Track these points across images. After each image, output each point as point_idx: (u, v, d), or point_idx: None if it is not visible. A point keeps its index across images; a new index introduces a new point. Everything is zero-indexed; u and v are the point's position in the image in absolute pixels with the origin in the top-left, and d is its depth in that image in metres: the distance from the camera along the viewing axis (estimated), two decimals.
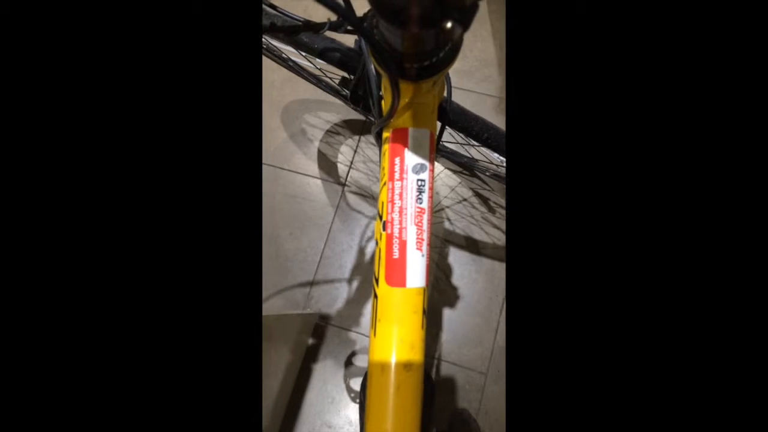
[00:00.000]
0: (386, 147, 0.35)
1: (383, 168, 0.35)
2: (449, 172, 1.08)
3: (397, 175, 0.34)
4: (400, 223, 0.33)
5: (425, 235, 0.34)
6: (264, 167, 1.13)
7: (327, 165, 1.12)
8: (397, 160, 0.34)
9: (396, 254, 0.33)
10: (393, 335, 0.32)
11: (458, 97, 1.11)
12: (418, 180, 0.34)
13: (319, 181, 1.12)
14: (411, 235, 0.33)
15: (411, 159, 0.34)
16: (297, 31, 0.39)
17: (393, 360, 0.32)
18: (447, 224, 1.05)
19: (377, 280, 0.34)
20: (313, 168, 1.13)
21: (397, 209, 0.33)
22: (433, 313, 1.00)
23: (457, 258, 1.03)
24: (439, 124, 0.47)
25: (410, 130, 0.34)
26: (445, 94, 0.47)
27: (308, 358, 1.01)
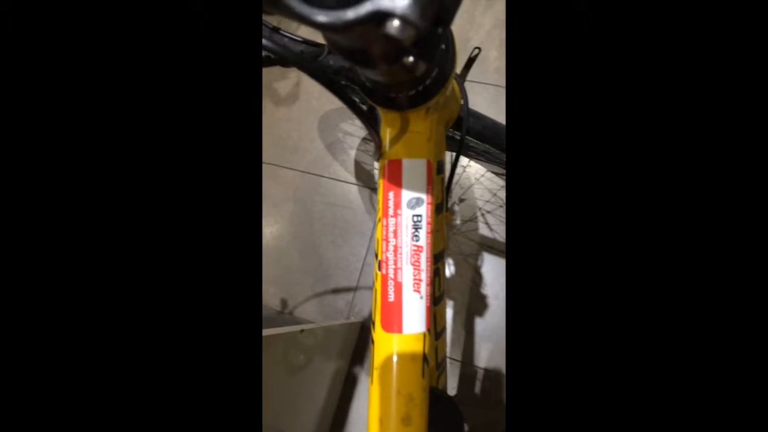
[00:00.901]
0: (381, 180, 0.32)
1: (378, 203, 0.33)
2: (491, 175, 1.03)
3: (390, 211, 0.31)
4: (395, 263, 0.31)
5: (423, 275, 0.31)
6: (304, 175, 1.14)
7: (365, 172, 1.11)
8: (391, 195, 0.31)
9: (391, 297, 0.31)
10: (391, 386, 0.30)
11: (494, 94, 1.05)
12: (413, 215, 0.31)
13: (358, 189, 1.11)
14: (407, 276, 0.31)
15: (405, 193, 0.31)
16: (287, 63, 0.37)
17: (392, 413, 0.29)
18: (487, 231, 1.00)
19: (374, 324, 0.32)
20: (353, 175, 1.12)
21: (391, 248, 0.31)
22: (479, 322, 0.96)
23: (503, 265, 0.98)
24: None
25: (404, 161, 0.31)
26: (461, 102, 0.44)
27: (353, 367, 1.01)
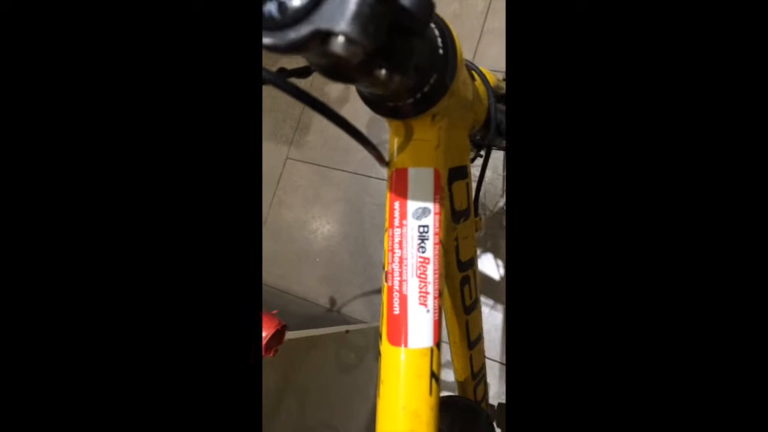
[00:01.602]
0: (388, 190, 0.32)
1: (385, 213, 0.32)
2: None
3: (396, 222, 0.30)
4: (401, 275, 0.30)
5: (431, 288, 0.30)
6: (353, 176, 1.16)
7: None
8: (397, 205, 0.30)
9: (396, 310, 0.30)
10: (395, 402, 0.29)
11: None
12: (419, 226, 0.30)
13: None
14: (412, 288, 0.30)
15: (411, 203, 0.30)
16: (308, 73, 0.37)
17: (397, 430, 0.29)
18: None
19: (381, 337, 0.31)
20: None
21: (397, 259, 0.30)
22: None
23: None
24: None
25: (410, 170, 0.30)
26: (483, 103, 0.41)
27: None
